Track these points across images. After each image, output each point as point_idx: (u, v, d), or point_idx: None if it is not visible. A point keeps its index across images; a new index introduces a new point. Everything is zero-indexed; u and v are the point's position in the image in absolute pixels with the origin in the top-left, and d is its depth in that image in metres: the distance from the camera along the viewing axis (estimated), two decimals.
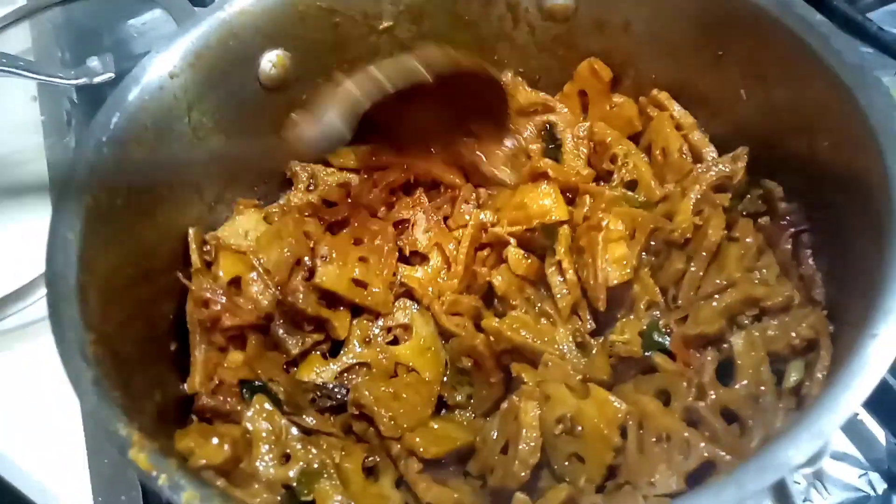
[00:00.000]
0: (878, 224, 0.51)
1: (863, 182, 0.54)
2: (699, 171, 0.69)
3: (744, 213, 0.70)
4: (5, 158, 1.05)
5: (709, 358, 0.61)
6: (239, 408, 0.65)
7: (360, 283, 0.72)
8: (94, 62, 1.06)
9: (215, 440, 0.55)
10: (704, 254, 0.65)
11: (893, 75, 1.10)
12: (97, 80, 1.02)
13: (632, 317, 0.66)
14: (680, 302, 0.64)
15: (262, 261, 0.71)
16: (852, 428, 0.81)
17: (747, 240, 0.66)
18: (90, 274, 0.56)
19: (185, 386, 0.67)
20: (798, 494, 0.78)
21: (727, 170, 0.68)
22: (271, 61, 0.74)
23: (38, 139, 1.06)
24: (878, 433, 0.79)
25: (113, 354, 0.54)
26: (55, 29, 1.22)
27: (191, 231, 0.71)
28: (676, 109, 0.75)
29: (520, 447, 0.60)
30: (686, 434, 0.55)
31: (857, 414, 0.80)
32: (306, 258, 0.71)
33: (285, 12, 0.72)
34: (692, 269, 0.65)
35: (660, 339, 0.64)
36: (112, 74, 1.02)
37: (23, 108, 1.11)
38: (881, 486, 0.77)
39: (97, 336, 0.53)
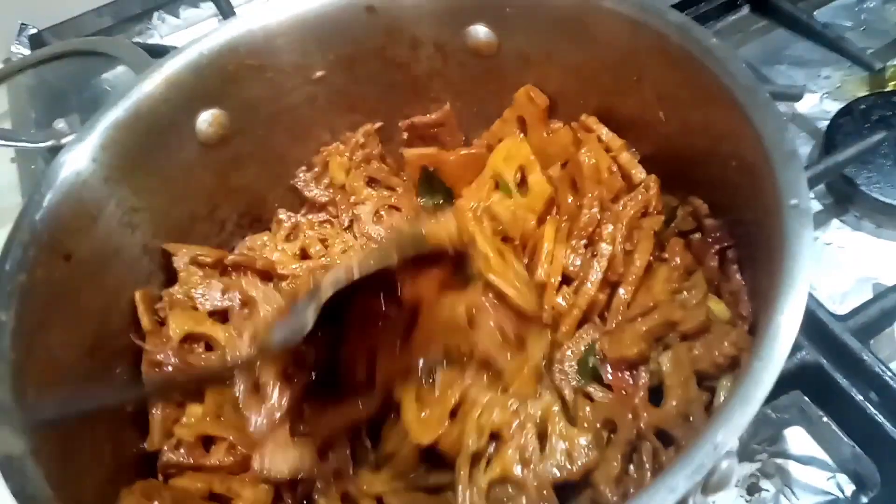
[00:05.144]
0: (772, 240, 0.52)
1: (762, 199, 0.55)
2: (617, 209, 0.70)
3: (678, 232, 0.71)
4: None
5: (642, 381, 0.62)
6: (202, 459, 0.67)
7: None
8: (60, 124, 1.10)
9: (156, 502, 0.57)
10: (632, 278, 0.66)
11: (847, 69, 1.11)
12: (65, 141, 1.06)
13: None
14: (608, 326, 0.65)
15: None
16: (818, 431, 0.81)
17: (675, 260, 0.67)
18: (28, 354, 0.58)
19: (146, 444, 0.68)
20: (768, 501, 0.79)
21: (641, 200, 0.69)
22: (207, 121, 0.76)
23: (17, 199, 1.10)
24: (844, 434, 0.79)
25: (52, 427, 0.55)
26: (29, 91, 1.26)
27: (137, 294, 0.72)
28: (605, 132, 0.76)
29: None
30: None
31: (823, 416, 0.80)
32: None
33: (214, 74, 0.74)
34: (621, 293, 0.66)
35: (595, 365, 0.65)
36: None
37: (1, 169, 1.14)
38: (849, 487, 0.77)
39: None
